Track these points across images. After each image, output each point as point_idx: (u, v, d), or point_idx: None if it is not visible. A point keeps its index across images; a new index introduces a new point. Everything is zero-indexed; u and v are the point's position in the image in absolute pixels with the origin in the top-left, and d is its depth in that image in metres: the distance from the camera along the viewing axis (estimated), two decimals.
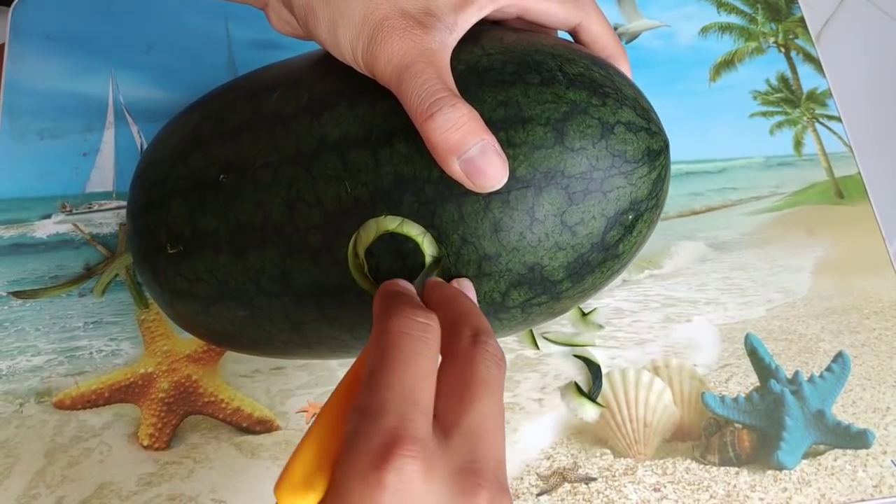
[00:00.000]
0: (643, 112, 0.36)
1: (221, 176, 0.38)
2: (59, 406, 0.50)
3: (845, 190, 0.61)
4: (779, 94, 0.64)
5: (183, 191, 0.39)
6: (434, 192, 0.34)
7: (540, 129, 0.34)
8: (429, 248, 0.35)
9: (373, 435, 0.25)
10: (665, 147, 0.37)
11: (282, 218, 0.36)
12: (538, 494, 0.49)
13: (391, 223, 0.34)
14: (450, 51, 0.34)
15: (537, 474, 0.50)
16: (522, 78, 0.34)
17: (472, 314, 0.31)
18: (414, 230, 0.34)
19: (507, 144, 0.33)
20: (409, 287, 0.33)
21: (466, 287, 0.35)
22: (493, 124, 0.33)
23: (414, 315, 0.28)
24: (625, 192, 0.35)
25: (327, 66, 0.38)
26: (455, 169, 0.32)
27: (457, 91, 0.33)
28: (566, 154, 0.34)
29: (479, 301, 0.36)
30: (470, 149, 0.31)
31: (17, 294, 0.52)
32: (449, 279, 0.35)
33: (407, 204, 0.34)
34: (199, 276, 0.39)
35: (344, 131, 0.35)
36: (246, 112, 0.39)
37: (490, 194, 0.34)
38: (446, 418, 0.27)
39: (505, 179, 0.32)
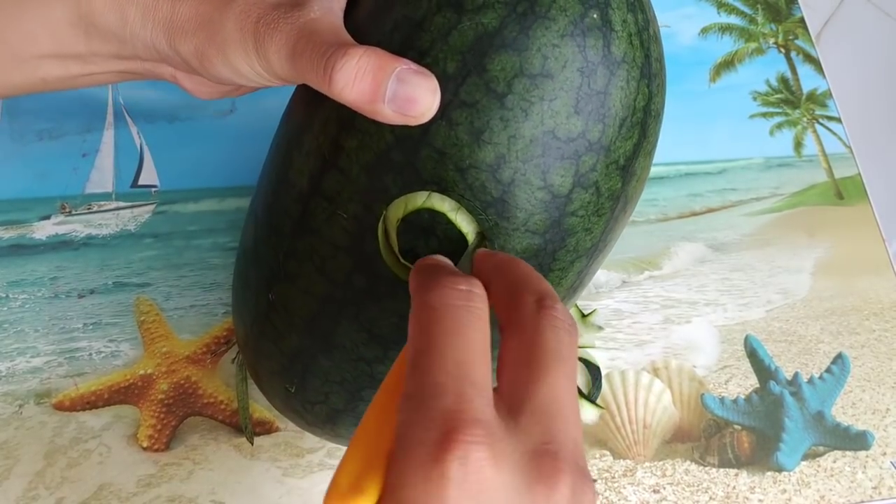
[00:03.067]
0: None
1: (270, 295, 0.37)
2: (59, 407, 0.49)
3: (845, 191, 0.61)
4: (779, 95, 0.64)
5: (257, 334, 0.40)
6: (400, 154, 0.31)
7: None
8: (465, 224, 0.31)
9: (428, 422, 0.22)
10: None
11: (326, 287, 0.35)
12: None
13: (418, 199, 0.31)
14: (339, 12, 0.32)
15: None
16: None
17: (533, 278, 0.27)
18: (445, 205, 0.31)
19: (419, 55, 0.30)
20: (445, 260, 0.30)
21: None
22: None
23: (454, 284, 0.25)
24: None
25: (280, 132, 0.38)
26: (388, 114, 0.29)
27: (351, 40, 0.30)
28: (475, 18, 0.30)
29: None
30: (387, 86, 0.28)
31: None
32: None
33: (393, 186, 0.31)
34: (325, 391, 0.39)
35: (308, 173, 0.34)
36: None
37: (440, 112, 0.30)
38: (513, 395, 0.23)
39: (438, 93, 0.29)
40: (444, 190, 0.31)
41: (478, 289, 0.25)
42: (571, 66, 0.30)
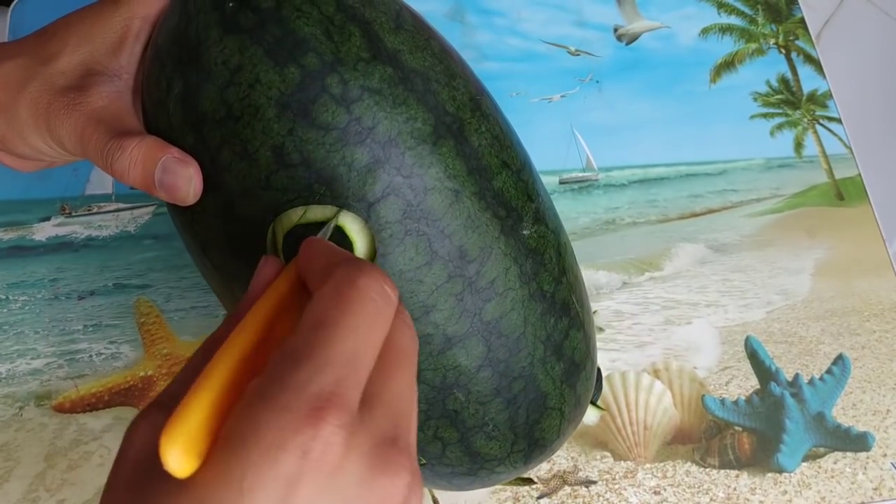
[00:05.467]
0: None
1: None
2: (59, 409, 0.49)
3: (845, 192, 0.61)
4: (779, 96, 0.64)
5: None
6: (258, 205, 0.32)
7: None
8: (362, 251, 0.31)
9: (303, 392, 0.21)
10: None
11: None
12: (538, 497, 0.49)
13: (294, 216, 0.31)
14: (126, 94, 0.35)
15: (537, 477, 0.50)
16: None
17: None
18: (325, 212, 0.31)
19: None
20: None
21: None
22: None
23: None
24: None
25: None
26: (162, 196, 0.33)
27: (136, 129, 0.34)
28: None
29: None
30: (155, 175, 0.32)
31: None
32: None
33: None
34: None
35: (215, 252, 0.35)
36: None
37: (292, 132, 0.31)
38: (368, 388, 0.24)
39: (197, 180, 0.32)
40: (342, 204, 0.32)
41: (396, 299, 0.26)
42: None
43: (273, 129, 0.31)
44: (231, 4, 0.32)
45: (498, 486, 0.49)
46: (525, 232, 0.36)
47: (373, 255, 0.31)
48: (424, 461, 0.37)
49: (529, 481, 0.48)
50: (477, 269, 0.34)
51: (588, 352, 0.40)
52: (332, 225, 0.31)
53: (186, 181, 0.32)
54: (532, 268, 0.36)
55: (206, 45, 0.32)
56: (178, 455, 0.21)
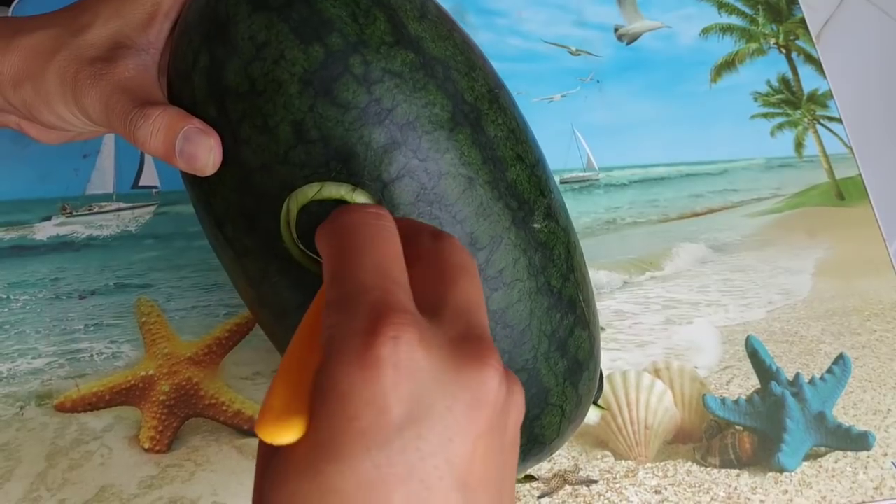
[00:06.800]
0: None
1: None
2: (60, 409, 0.49)
3: (846, 191, 0.61)
4: (780, 96, 0.64)
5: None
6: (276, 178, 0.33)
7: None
8: (367, 202, 0.32)
9: (356, 315, 0.22)
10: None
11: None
12: (539, 497, 0.49)
13: (310, 191, 0.32)
14: (152, 68, 0.36)
15: (538, 476, 0.50)
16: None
17: (426, 226, 0.28)
18: (340, 190, 0.32)
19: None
20: None
21: None
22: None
23: (365, 208, 0.25)
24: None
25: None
26: (181, 165, 0.33)
27: (160, 99, 0.34)
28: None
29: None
30: (176, 143, 0.33)
31: None
32: None
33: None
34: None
35: (240, 248, 0.36)
36: None
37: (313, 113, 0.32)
38: (430, 300, 0.24)
39: (217, 151, 0.33)
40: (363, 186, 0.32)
41: (386, 212, 0.26)
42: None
43: (294, 105, 0.32)
44: None
45: None
46: (536, 225, 0.36)
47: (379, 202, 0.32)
48: None
49: (531, 478, 0.48)
50: (486, 257, 0.34)
51: (592, 352, 0.40)
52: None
53: (207, 151, 0.33)
54: (541, 261, 0.36)
55: (234, 20, 0.33)
56: (272, 429, 0.22)
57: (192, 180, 0.36)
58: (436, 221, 0.33)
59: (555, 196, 0.39)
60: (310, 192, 0.32)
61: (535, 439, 0.38)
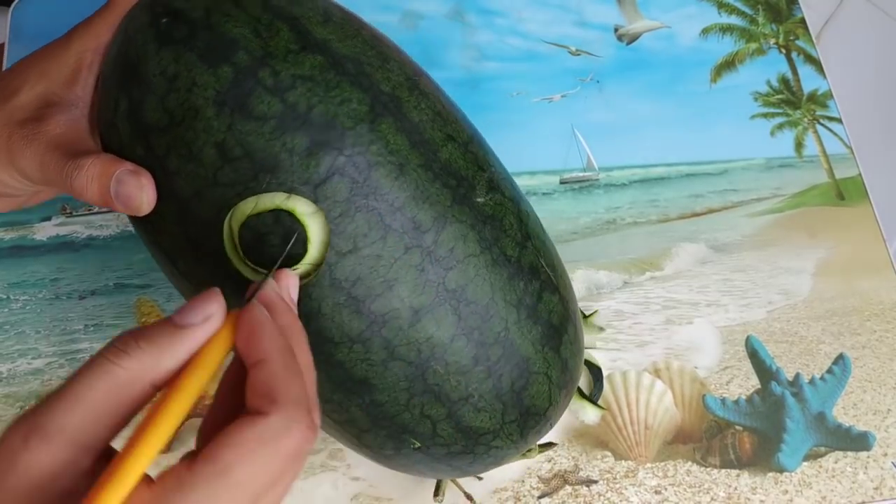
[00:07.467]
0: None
1: None
2: None
3: (846, 191, 0.61)
4: (779, 96, 0.64)
5: None
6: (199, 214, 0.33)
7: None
8: (316, 232, 0.33)
9: (301, 420, 0.26)
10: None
11: None
12: (539, 497, 0.49)
13: (247, 208, 0.33)
14: (82, 120, 0.37)
15: (538, 477, 0.50)
16: None
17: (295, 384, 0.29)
18: (275, 200, 0.32)
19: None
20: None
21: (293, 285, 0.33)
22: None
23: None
24: None
25: None
26: (120, 209, 0.34)
27: (92, 149, 0.35)
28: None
29: None
30: (111, 188, 0.33)
31: None
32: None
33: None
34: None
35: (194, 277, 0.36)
36: None
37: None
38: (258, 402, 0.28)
39: (149, 189, 0.33)
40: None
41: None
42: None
43: (213, 127, 0.32)
44: (164, 21, 0.34)
45: (498, 486, 0.49)
46: (479, 199, 0.36)
47: (327, 234, 0.32)
48: (419, 444, 0.37)
49: (551, 445, 0.48)
50: (434, 238, 0.34)
51: (568, 315, 0.40)
52: (294, 239, 0.32)
53: (139, 190, 0.33)
54: (492, 233, 0.36)
55: (143, 60, 0.34)
56: None
57: (138, 224, 0.37)
58: (374, 213, 0.33)
59: (496, 170, 0.39)
60: (246, 208, 0.32)
61: (528, 411, 0.38)
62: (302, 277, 0.33)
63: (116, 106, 0.34)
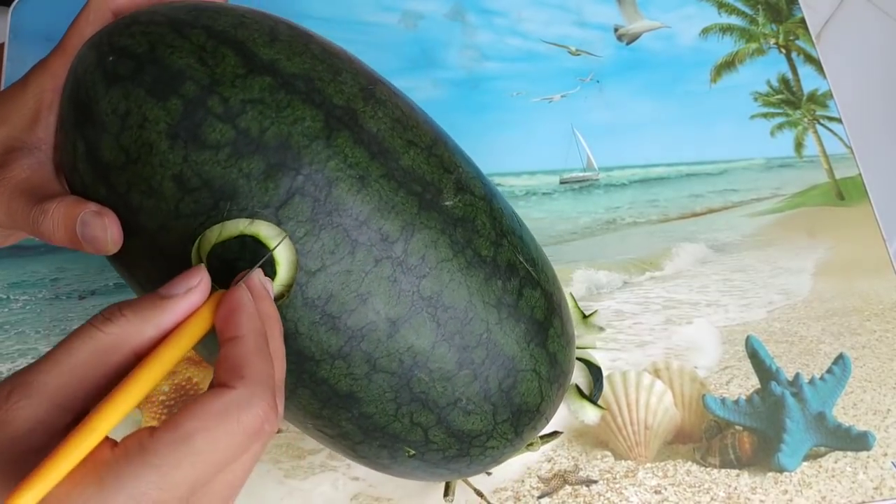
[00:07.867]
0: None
1: None
2: None
3: (846, 191, 0.61)
4: (779, 96, 0.64)
5: None
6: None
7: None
8: (283, 254, 0.33)
9: (264, 398, 0.27)
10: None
11: None
12: (539, 497, 0.49)
13: (212, 236, 0.33)
14: (47, 163, 0.37)
15: (538, 476, 0.50)
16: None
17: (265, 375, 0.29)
18: (239, 226, 0.33)
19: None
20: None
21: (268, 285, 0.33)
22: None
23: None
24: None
25: None
26: (89, 250, 0.34)
27: (58, 191, 0.35)
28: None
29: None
30: (77, 231, 0.33)
31: None
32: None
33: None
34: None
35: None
36: None
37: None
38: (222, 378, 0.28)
39: (113, 228, 0.33)
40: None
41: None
42: None
43: (169, 160, 0.32)
44: (111, 59, 0.34)
45: (498, 485, 0.49)
46: (448, 203, 0.36)
47: (294, 255, 0.33)
48: (413, 452, 0.37)
49: (555, 434, 0.48)
50: (403, 247, 0.34)
51: (552, 308, 0.40)
52: (261, 262, 0.32)
53: (103, 231, 0.33)
54: (464, 236, 0.36)
55: (95, 100, 0.34)
56: None
57: (114, 262, 0.37)
58: (339, 229, 0.33)
59: (463, 169, 0.39)
60: (211, 236, 0.32)
61: (520, 409, 0.38)
62: (275, 300, 0.33)
63: (75, 148, 0.35)
